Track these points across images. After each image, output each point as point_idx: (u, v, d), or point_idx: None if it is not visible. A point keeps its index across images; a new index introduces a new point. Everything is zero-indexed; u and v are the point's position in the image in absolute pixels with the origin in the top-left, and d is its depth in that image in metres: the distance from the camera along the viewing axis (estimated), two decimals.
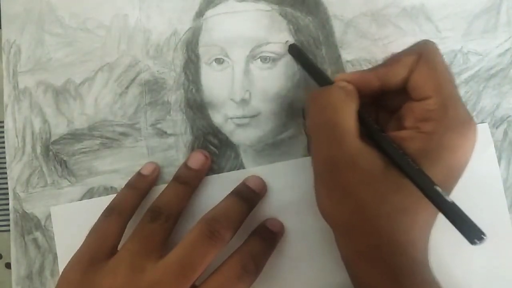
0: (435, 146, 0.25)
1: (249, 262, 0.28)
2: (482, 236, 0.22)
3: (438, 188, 0.23)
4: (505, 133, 0.34)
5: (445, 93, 0.26)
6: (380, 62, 0.29)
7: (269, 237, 0.31)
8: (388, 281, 0.25)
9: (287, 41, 0.34)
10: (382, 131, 0.27)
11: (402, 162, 0.25)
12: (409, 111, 0.27)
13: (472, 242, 0.22)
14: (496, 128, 0.34)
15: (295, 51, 0.33)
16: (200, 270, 0.27)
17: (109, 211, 0.31)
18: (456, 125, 0.26)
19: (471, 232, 0.22)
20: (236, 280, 0.27)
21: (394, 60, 0.28)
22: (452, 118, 0.26)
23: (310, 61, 0.32)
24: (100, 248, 0.29)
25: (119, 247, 0.29)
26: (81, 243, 0.29)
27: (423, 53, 0.27)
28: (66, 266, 0.28)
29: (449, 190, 0.26)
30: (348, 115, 0.26)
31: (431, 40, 0.28)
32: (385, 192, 0.25)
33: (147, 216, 0.29)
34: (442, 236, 0.31)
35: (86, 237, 0.29)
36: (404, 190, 0.25)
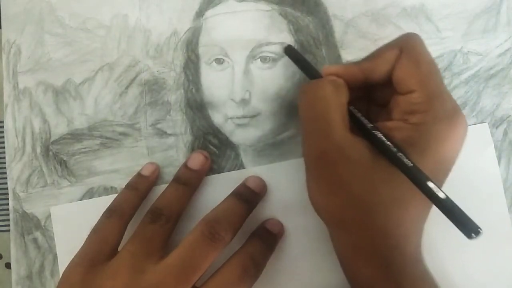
0: (423, 137, 0.25)
1: (249, 263, 0.28)
2: (479, 230, 0.22)
3: (431, 184, 0.23)
4: (505, 133, 0.34)
5: (430, 86, 0.26)
6: None
7: (269, 239, 0.31)
8: (381, 275, 0.25)
9: (283, 43, 0.34)
10: (373, 125, 0.26)
11: (396, 159, 0.24)
12: (396, 104, 0.27)
13: (469, 236, 0.22)
14: (496, 128, 0.34)
15: (291, 52, 0.32)
16: (201, 272, 0.27)
17: (110, 212, 0.30)
18: (443, 117, 0.25)
19: (468, 227, 0.22)
20: (236, 282, 0.27)
21: (376, 54, 0.27)
22: (438, 111, 0.25)
23: (306, 62, 0.31)
24: (101, 249, 0.29)
25: (120, 248, 0.29)
26: (81, 243, 0.29)
27: (404, 47, 0.26)
28: (66, 268, 0.28)
29: (439, 182, 0.26)
30: (337, 107, 0.26)
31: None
32: (375, 182, 0.25)
33: (147, 217, 0.29)
34: (442, 235, 0.31)
35: (87, 238, 0.29)
36: (393, 181, 0.25)
